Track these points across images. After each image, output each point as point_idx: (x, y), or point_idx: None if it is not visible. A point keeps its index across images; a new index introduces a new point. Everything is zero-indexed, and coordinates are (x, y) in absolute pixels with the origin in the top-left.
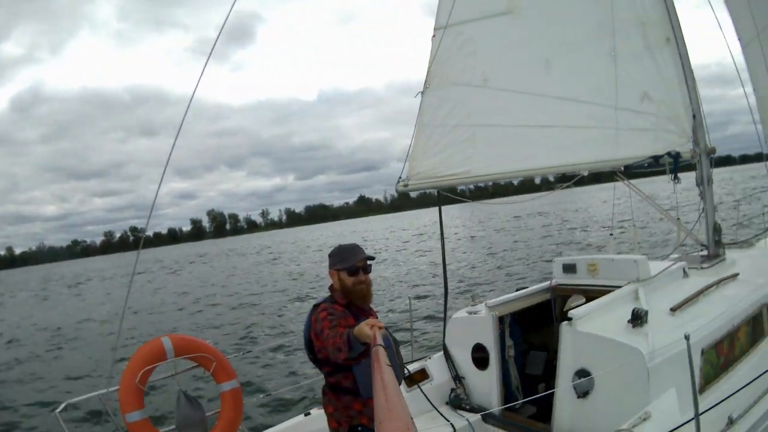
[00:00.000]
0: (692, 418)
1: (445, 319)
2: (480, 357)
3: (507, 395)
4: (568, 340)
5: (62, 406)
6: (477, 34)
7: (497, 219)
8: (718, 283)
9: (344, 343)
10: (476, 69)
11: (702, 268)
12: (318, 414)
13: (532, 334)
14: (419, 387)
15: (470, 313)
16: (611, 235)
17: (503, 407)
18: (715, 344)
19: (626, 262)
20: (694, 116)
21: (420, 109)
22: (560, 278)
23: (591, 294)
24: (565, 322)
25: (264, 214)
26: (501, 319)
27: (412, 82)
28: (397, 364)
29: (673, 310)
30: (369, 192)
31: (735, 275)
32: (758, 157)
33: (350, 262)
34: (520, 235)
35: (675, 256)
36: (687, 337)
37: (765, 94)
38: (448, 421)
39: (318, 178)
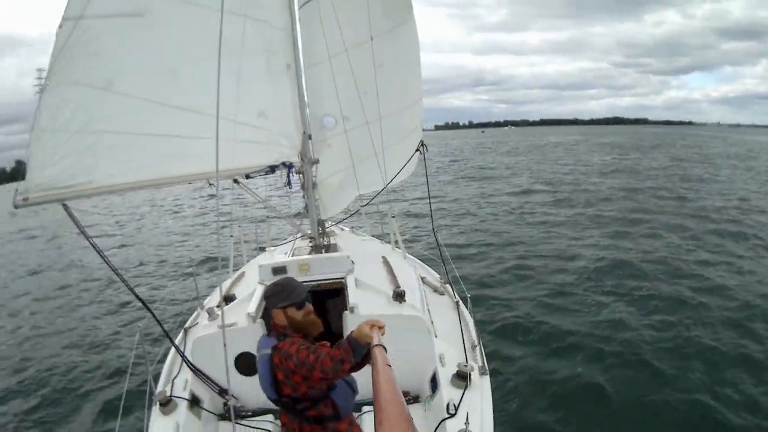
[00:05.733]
0: None
1: (173, 342)
2: (247, 364)
3: None
4: (354, 325)
5: None
6: (104, 32)
7: None
8: (387, 263)
9: (346, 351)
10: (101, 70)
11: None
12: None
13: None
14: (203, 408)
15: (222, 327)
16: (231, 236)
17: None
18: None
19: (340, 258)
20: (304, 132)
21: (38, 110)
22: (271, 280)
23: (309, 288)
24: (347, 311)
25: None
26: None
27: None
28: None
29: (397, 287)
30: None
31: (384, 257)
32: None
33: (298, 297)
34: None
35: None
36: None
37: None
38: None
39: None
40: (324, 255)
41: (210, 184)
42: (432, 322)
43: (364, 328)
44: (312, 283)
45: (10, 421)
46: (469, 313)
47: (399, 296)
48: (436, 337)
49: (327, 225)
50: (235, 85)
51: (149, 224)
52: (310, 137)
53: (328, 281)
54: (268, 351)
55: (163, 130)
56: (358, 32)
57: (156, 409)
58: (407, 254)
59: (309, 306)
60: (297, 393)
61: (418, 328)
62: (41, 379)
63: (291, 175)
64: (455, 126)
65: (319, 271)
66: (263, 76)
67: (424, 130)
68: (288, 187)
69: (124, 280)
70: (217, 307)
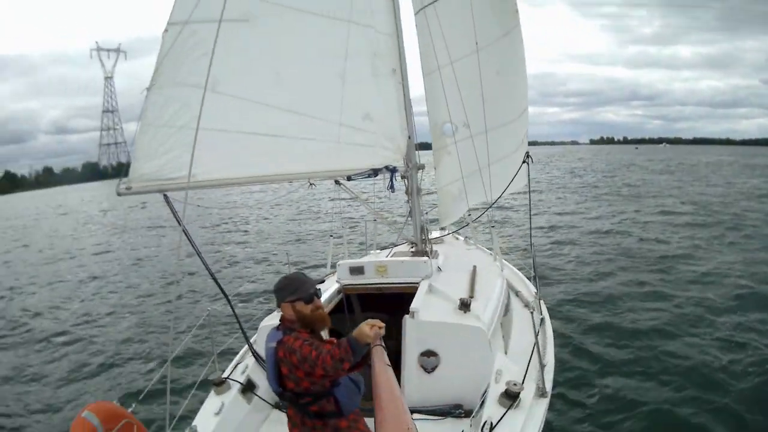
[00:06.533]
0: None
1: (242, 329)
2: None
3: None
4: (413, 329)
5: None
6: (210, 37)
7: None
8: (474, 275)
9: (346, 350)
10: (207, 72)
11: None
12: None
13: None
14: (256, 395)
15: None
16: (331, 236)
17: None
18: (498, 318)
19: (417, 263)
20: (409, 137)
21: (144, 107)
22: (347, 279)
23: (384, 290)
24: (407, 315)
25: None
26: None
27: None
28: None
29: (470, 297)
30: (16, 167)
31: (475, 267)
32: None
33: (306, 291)
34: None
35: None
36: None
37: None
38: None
39: None
40: (402, 258)
41: (311, 184)
42: (503, 336)
43: (363, 328)
44: (387, 285)
45: (78, 388)
46: (549, 330)
47: (464, 305)
48: (505, 353)
49: (444, 233)
50: (340, 87)
51: (278, 223)
52: (419, 146)
53: (403, 285)
54: (274, 344)
55: (264, 130)
56: (472, 40)
57: (212, 389)
58: (507, 265)
59: (318, 301)
60: (299, 388)
61: (477, 339)
62: (120, 356)
63: (394, 179)
64: (610, 141)
65: (396, 274)
66: (369, 80)
67: (579, 143)
68: (390, 191)
69: (212, 273)
70: None
